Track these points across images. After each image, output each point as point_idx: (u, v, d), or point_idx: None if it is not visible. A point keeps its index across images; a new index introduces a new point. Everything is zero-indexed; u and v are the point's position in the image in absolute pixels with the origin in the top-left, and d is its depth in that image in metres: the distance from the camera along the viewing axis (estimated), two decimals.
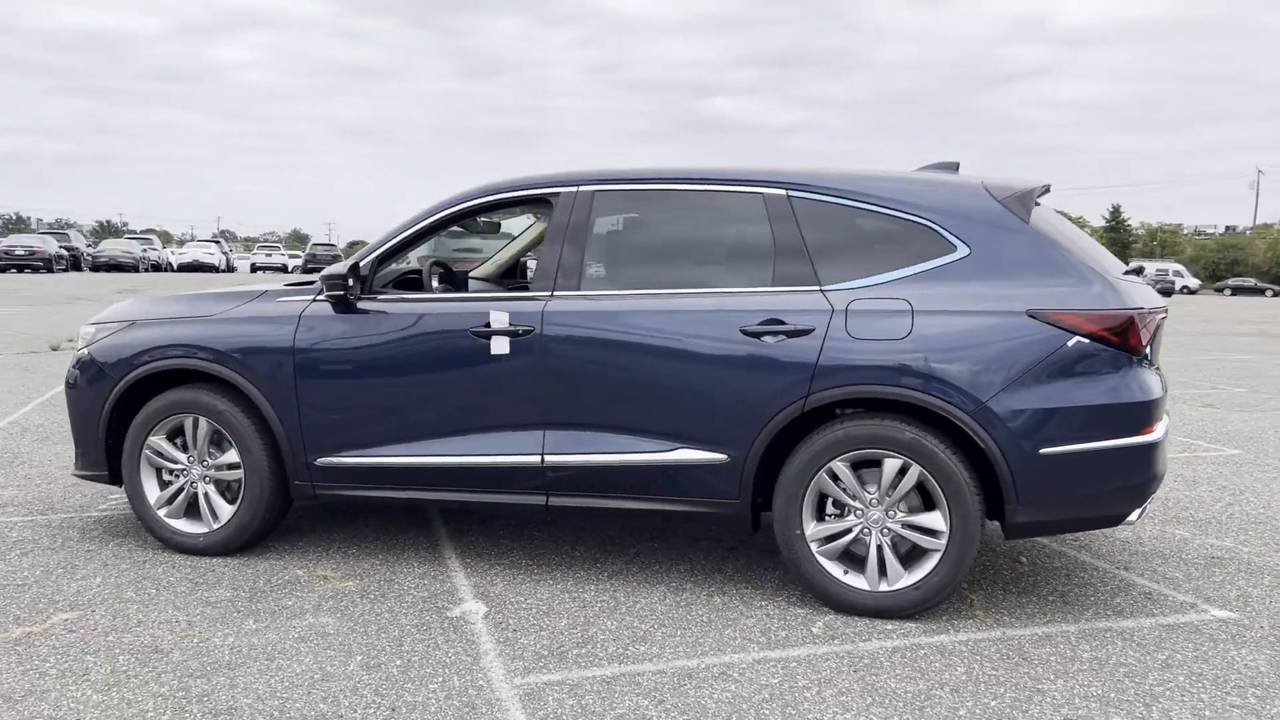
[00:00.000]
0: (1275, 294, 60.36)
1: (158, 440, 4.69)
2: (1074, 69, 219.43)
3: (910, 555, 3.97)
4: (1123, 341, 3.82)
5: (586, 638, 3.76)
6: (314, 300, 4.54)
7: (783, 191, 4.19)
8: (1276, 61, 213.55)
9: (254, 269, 55.47)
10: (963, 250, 3.97)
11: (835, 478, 3.96)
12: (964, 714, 3.18)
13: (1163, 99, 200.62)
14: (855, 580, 3.99)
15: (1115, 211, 58.25)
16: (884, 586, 3.95)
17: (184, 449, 4.70)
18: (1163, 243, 43.05)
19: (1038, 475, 3.79)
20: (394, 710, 3.16)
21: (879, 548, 3.95)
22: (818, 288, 4.03)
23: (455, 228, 4.95)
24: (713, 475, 4.08)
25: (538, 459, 4.24)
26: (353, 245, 54.14)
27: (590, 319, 4.20)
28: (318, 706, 3.18)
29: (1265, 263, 68.00)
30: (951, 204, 4.05)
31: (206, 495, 4.67)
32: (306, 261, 51.97)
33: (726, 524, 4.20)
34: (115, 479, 4.84)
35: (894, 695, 3.30)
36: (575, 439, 4.22)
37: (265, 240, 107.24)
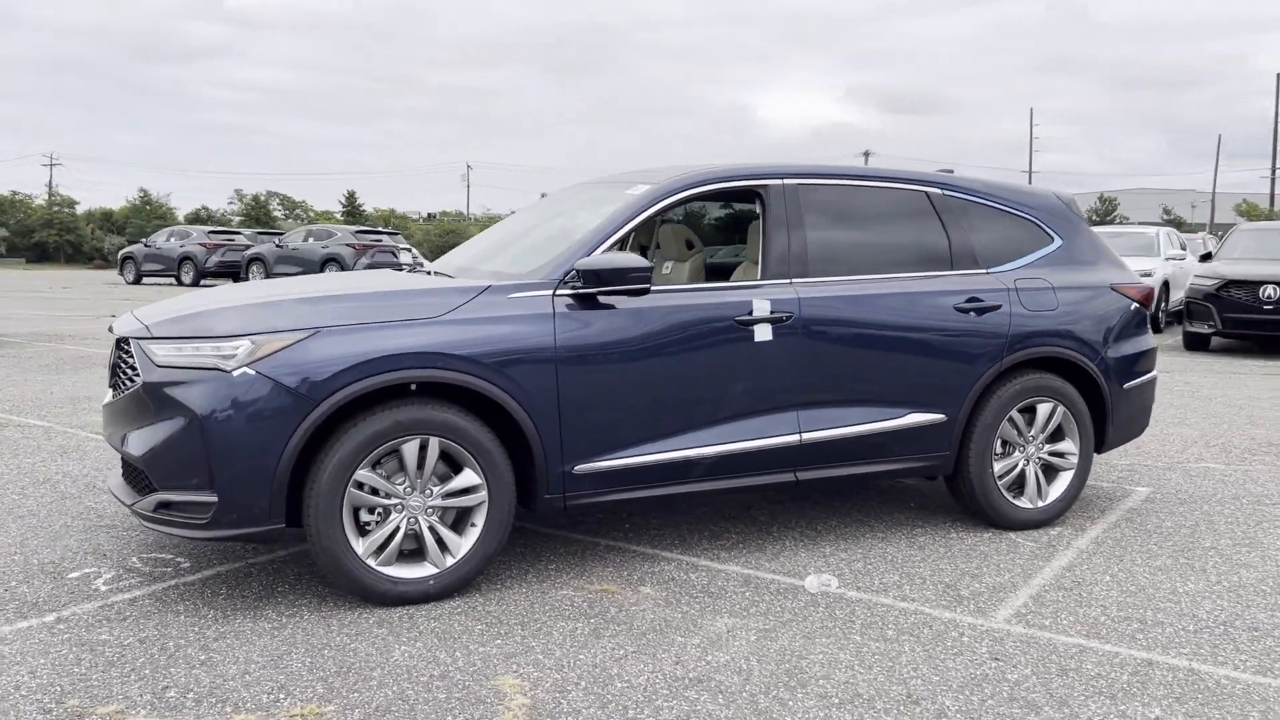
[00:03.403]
0: None
1: (366, 473, 3.80)
2: (252, 52, 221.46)
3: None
4: (1147, 306, 5.44)
5: (946, 585, 4.26)
6: (555, 294, 4.11)
7: (939, 190, 5.00)
8: (433, 67, 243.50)
9: None
10: (1058, 241, 5.23)
11: (1011, 423, 4.96)
12: (1210, 569, 4.51)
13: (336, 90, 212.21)
14: (1021, 501, 5.03)
15: (351, 196, 62.60)
16: (1040, 503, 5.07)
17: (388, 479, 3.88)
18: (395, 226, 48.07)
19: (1123, 404, 5.24)
20: (996, 657, 3.48)
21: (1035, 474, 5.05)
22: (984, 271, 4.96)
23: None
24: (931, 434, 4.78)
25: (796, 438, 4.49)
26: None
27: (839, 303, 4.57)
28: (969, 678, 3.35)
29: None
30: (1044, 204, 5.29)
31: (433, 529, 3.93)
32: None
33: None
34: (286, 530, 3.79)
35: (1167, 567, 4.49)
36: (825, 415, 4.56)
37: None
